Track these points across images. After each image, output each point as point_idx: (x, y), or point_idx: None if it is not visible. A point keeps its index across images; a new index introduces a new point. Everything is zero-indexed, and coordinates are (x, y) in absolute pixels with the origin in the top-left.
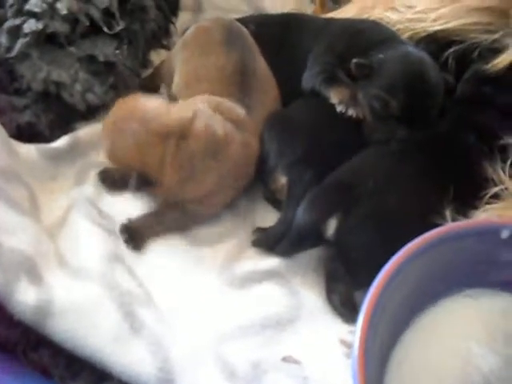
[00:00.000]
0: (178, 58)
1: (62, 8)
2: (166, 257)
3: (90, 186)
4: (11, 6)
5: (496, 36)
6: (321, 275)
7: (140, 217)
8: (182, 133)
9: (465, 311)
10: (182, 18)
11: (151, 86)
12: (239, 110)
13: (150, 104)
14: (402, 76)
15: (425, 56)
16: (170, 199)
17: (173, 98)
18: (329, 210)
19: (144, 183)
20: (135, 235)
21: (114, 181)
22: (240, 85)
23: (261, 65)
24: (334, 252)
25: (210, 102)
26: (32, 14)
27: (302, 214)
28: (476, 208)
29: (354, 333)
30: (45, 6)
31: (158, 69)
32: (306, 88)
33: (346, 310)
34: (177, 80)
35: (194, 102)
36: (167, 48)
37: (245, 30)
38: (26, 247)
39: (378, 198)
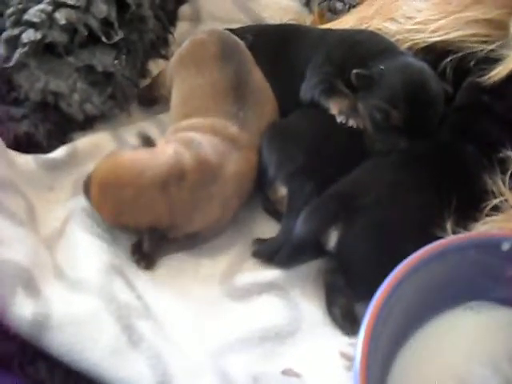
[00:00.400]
0: (174, 73)
1: (61, 18)
2: (165, 268)
3: None
4: (10, 16)
5: (492, 46)
6: (320, 287)
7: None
8: (178, 174)
9: (466, 325)
10: (181, 28)
11: (149, 96)
12: (233, 128)
13: (132, 160)
14: (403, 86)
15: (425, 66)
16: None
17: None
18: (328, 221)
19: (158, 237)
20: (146, 255)
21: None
22: (234, 99)
23: (256, 77)
24: (334, 264)
25: (203, 125)
26: (30, 24)
27: (301, 225)
28: (476, 220)
29: (355, 345)
30: (43, 16)
31: (155, 79)
32: (305, 99)
33: (347, 322)
34: (174, 96)
35: (176, 137)
36: (165, 58)
37: (241, 42)
38: (23, 259)
39: (379, 210)
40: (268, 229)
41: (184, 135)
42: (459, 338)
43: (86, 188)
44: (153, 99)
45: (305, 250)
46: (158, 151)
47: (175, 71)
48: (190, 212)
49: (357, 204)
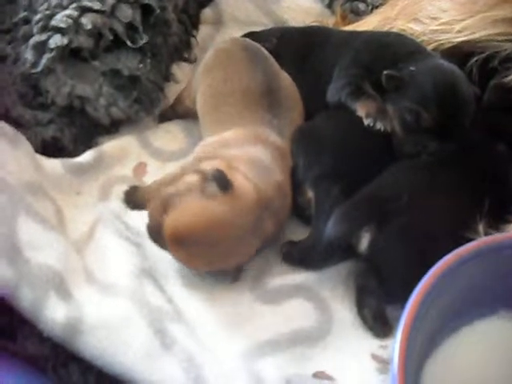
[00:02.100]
0: (200, 83)
1: (87, 23)
2: (194, 272)
3: (115, 200)
4: (37, 22)
5: None
6: (350, 289)
7: None
8: (264, 208)
9: (500, 335)
10: (203, 32)
11: (173, 115)
12: (274, 136)
13: (216, 213)
14: (434, 88)
15: (455, 68)
16: None
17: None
18: (360, 223)
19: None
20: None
21: (137, 201)
22: (267, 105)
23: (285, 81)
24: (365, 266)
25: (249, 136)
26: (57, 30)
27: (332, 227)
28: (509, 222)
29: (386, 348)
30: (70, 21)
31: (180, 95)
32: (332, 101)
33: (378, 324)
34: (201, 106)
35: (230, 154)
36: (189, 61)
37: (262, 48)
38: (55, 263)
39: (411, 213)
40: (297, 232)
41: (245, 154)
42: (491, 346)
43: (155, 236)
44: (179, 116)
45: (335, 253)
46: (237, 193)
47: (202, 79)
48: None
49: (389, 207)
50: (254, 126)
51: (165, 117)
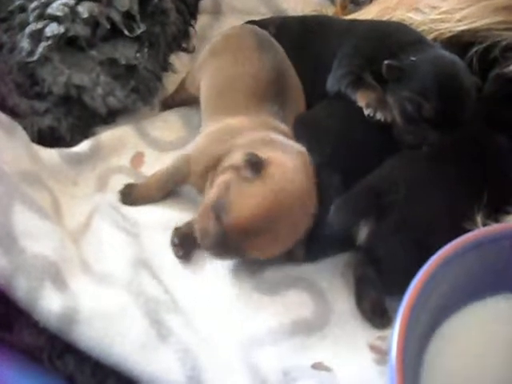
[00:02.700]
0: (206, 64)
1: (83, 11)
2: (192, 262)
3: (112, 191)
4: (33, 10)
5: None
6: (349, 280)
7: (190, 224)
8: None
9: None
10: (201, 21)
11: (175, 102)
12: (282, 125)
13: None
14: (435, 79)
15: (456, 58)
16: None
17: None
18: (360, 214)
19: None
20: (186, 243)
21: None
22: (274, 95)
23: (291, 71)
24: (363, 257)
25: (265, 125)
26: (54, 18)
27: (332, 217)
28: (508, 213)
29: (384, 339)
30: (66, 9)
31: (182, 81)
32: (332, 90)
33: (376, 315)
34: (206, 90)
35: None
36: (187, 51)
37: (271, 36)
38: (51, 253)
39: (410, 204)
40: None
41: (263, 136)
42: (490, 336)
43: (224, 247)
44: (179, 104)
45: (335, 243)
46: (274, 168)
47: (208, 63)
48: None
49: (388, 198)
50: (260, 115)
51: (166, 104)
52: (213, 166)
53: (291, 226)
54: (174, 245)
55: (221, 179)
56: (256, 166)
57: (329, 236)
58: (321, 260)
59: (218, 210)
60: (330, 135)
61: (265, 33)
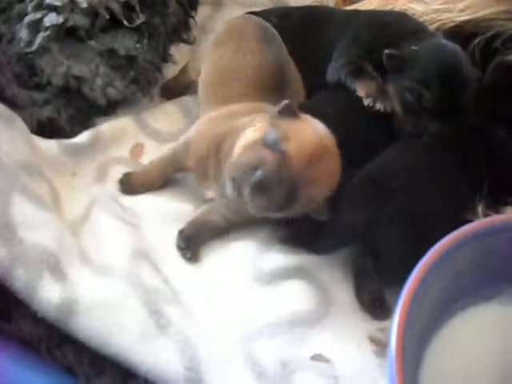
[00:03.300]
0: (210, 51)
1: (82, 1)
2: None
3: (112, 182)
4: (32, 0)
5: None
6: (348, 272)
7: (191, 224)
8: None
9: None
10: (202, 13)
11: (176, 88)
12: None
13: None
14: (436, 68)
15: (458, 48)
16: None
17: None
18: (368, 206)
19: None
20: (191, 244)
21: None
22: (275, 87)
23: (292, 65)
24: (363, 249)
25: (259, 107)
26: (52, 8)
27: (351, 213)
28: (508, 204)
29: (384, 330)
30: None
31: (185, 67)
32: (331, 80)
33: (376, 307)
34: (206, 77)
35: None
36: (187, 42)
37: (274, 30)
38: (49, 243)
39: (409, 195)
40: None
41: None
42: (494, 328)
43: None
44: (180, 90)
45: (346, 238)
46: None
47: (212, 50)
48: None
49: (387, 189)
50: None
51: (167, 90)
52: (214, 149)
53: (333, 170)
54: (180, 249)
55: (254, 127)
56: (291, 110)
57: (340, 230)
58: (328, 253)
59: (271, 142)
60: (330, 126)
61: (268, 25)
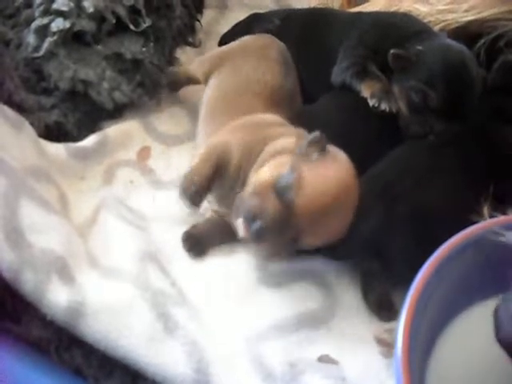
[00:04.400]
0: (229, 59)
1: (89, 6)
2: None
3: (119, 185)
4: (39, 5)
5: None
6: (355, 273)
7: (201, 225)
8: None
9: None
10: (207, 16)
11: (181, 80)
12: None
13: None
14: (442, 68)
15: (463, 47)
16: None
17: None
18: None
19: None
20: (196, 243)
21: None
22: (282, 110)
23: (298, 89)
24: (370, 250)
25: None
26: (59, 13)
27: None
28: None
29: (391, 332)
30: (72, 4)
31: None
32: (336, 82)
33: (383, 308)
34: (220, 82)
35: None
36: (193, 45)
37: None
38: (58, 247)
39: (417, 195)
40: None
41: (292, 130)
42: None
43: (281, 228)
44: (182, 84)
45: (363, 248)
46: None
47: (231, 57)
48: None
49: (394, 190)
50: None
51: (172, 83)
52: (247, 157)
53: (347, 214)
54: (186, 250)
55: (276, 160)
56: (321, 146)
57: (358, 239)
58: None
59: (281, 189)
60: (332, 130)
61: (288, 53)
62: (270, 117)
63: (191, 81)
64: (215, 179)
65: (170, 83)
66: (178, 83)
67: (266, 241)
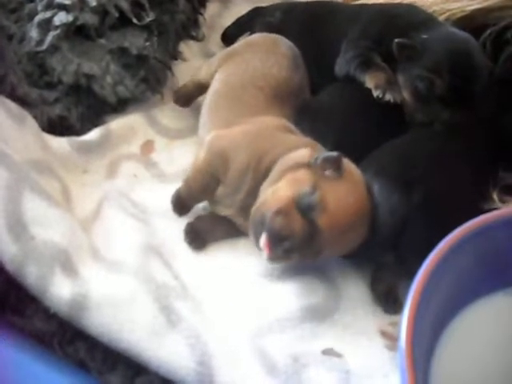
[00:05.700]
0: (236, 54)
1: (92, 0)
2: (202, 249)
3: (122, 179)
4: None
5: None
6: (359, 267)
7: (204, 218)
8: None
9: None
10: (211, 10)
11: (188, 95)
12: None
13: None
14: (447, 55)
15: (469, 36)
16: None
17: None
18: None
19: None
20: (198, 236)
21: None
22: (289, 107)
23: (308, 90)
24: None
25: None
26: (62, 7)
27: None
28: None
29: (396, 324)
30: None
31: (197, 72)
32: (340, 73)
33: (389, 300)
34: (227, 75)
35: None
36: (196, 39)
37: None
38: (61, 240)
39: (428, 184)
40: None
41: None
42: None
43: (307, 246)
44: (193, 96)
45: (379, 248)
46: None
47: (240, 52)
48: None
49: (408, 176)
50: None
51: (180, 97)
52: (256, 163)
53: (365, 225)
54: (187, 242)
55: (294, 176)
56: (337, 165)
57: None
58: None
59: (305, 207)
60: (334, 122)
61: (298, 52)
62: (280, 121)
63: (202, 90)
64: (212, 188)
65: (179, 98)
66: (189, 97)
67: (292, 259)
